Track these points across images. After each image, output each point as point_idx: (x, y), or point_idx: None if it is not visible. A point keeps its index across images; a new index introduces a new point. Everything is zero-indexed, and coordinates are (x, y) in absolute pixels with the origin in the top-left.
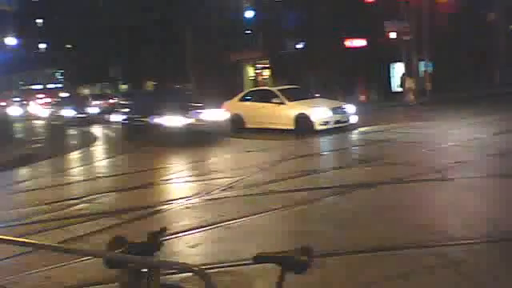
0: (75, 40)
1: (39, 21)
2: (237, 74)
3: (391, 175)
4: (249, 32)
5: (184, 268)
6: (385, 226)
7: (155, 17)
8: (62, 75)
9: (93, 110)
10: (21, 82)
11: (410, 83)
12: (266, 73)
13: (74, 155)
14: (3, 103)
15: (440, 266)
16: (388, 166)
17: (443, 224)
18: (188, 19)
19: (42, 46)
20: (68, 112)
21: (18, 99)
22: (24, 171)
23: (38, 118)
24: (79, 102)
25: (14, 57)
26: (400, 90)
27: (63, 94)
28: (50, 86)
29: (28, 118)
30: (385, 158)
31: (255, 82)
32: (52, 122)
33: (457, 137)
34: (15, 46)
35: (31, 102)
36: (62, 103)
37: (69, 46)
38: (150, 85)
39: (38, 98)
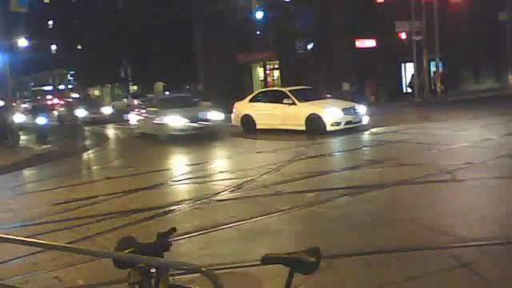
0: (87, 41)
1: (50, 22)
2: (247, 74)
3: (403, 176)
4: (259, 33)
5: (192, 268)
6: (396, 227)
7: (166, 17)
8: (72, 76)
9: (218, 116)
10: (31, 83)
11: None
12: (276, 74)
13: None
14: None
15: (453, 267)
16: (399, 167)
17: (455, 225)
18: (198, 20)
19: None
20: (175, 119)
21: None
22: None
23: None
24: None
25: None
26: (410, 90)
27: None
28: (61, 86)
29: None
30: (396, 159)
31: (265, 82)
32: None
33: (468, 137)
34: (27, 48)
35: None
36: (164, 105)
37: (80, 47)
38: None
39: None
